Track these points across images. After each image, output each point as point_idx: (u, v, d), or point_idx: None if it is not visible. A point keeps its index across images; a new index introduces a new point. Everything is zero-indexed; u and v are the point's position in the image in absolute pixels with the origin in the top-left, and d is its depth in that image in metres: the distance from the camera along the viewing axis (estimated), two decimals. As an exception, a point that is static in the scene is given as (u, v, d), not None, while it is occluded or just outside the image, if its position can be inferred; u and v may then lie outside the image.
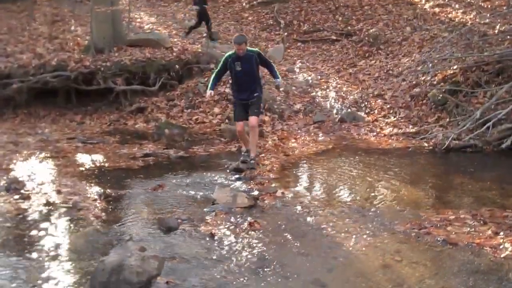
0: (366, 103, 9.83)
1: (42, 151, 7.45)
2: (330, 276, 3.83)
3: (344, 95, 10.33)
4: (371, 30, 13.08)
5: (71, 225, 4.84)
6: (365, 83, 10.74)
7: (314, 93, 10.44)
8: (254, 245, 4.36)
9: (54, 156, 7.21)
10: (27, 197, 5.45)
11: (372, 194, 5.74)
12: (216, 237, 4.50)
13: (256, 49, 7.08)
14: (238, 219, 4.91)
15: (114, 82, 10.04)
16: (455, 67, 9.21)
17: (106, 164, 6.95)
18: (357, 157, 7.27)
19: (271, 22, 15.08)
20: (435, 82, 9.34)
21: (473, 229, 4.55)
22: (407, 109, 9.22)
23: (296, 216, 5.01)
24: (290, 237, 4.51)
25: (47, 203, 5.32)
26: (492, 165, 6.87)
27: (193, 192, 5.74)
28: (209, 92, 6.61)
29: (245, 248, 4.30)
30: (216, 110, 9.59)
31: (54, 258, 4.13)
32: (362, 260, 4.07)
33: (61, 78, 9.91)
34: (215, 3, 16.47)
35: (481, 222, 4.70)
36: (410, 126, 8.62)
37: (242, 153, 6.82)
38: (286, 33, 14.18)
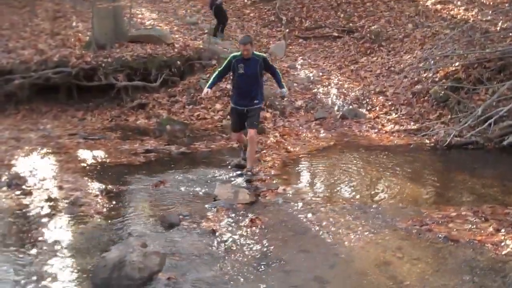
0: (367, 100, 9.81)
1: (43, 147, 7.45)
2: (331, 273, 3.84)
3: (345, 91, 10.31)
4: (373, 27, 13.02)
5: (73, 221, 4.85)
6: (366, 80, 10.71)
7: (315, 90, 10.42)
8: (256, 241, 4.37)
9: (56, 152, 7.21)
10: (28, 193, 5.47)
11: (374, 191, 5.74)
12: (217, 233, 4.51)
13: (263, 54, 6.94)
14: (239, 216, 4.92)
15: (115, 78, 10.02)
16: (457, 64, 9.18)
17: (108, 160, 6.95)
18: (358, 154, 7.26)
19: (273, 19, 15.03)
20: (437, 79, 9.32)
21: (474, 226, 4.55)
22: (408, 106, 9.19)
23: (298, 213, 5.01)
24: (291, 234, 4.52)
25: (49, 199, 5.34)
26: (493, 162, 6.87)
27: (194, 188, 5.74)
28: (205, 90, 6.30)
29: (247, 245, 4.30)
30: (218, 106, 9.58)
31: (56, 253, 4.14)
32: (363, 257, 4.07)
33: (63, 74, 9.89)
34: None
35: (483, 219, 4.70)
36: (412, 123, 8.59)
37: (242, 149, 6.79)
38: (287, 30, 14.13)
